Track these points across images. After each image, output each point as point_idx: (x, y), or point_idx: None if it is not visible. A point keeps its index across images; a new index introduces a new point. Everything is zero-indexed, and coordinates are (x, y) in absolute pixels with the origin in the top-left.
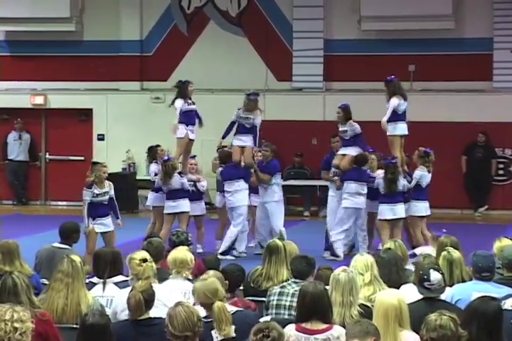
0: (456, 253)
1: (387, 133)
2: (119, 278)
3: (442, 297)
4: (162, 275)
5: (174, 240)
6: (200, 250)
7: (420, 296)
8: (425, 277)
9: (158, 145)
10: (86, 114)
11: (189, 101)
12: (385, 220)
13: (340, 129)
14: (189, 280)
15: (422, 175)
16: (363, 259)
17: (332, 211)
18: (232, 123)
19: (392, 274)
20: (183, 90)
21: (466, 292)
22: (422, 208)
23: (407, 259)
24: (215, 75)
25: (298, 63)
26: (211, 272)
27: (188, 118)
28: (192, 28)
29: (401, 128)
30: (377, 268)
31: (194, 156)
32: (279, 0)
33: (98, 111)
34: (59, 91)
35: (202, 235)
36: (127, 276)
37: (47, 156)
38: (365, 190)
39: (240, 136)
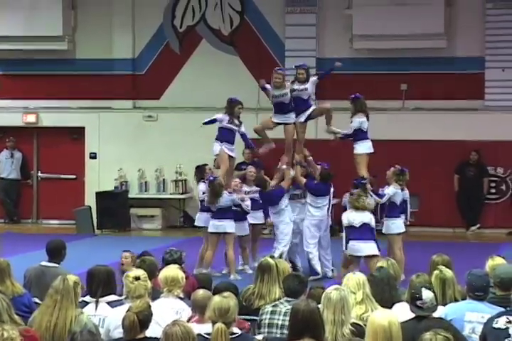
0: (448, 273)
1: (356, 152)
2: (112, 297)
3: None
4: (153, 294)
5: (167, 258)
6: (249, 271)
7: (413, 315)
8: (417, 295)
9: (205, 165)
10: (78, 133)
11: (234, 120)
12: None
13: (299, 87)
14: (180, 298)
15: (396, 192)
16: (355, 278)
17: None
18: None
19: (384, 293)
20: (230, 108)
21: (460, 312)
22: (399, 225)
23: (400, 278)
24: (207, 94)
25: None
26: (201, 291)
27: (223, 135)
28: (184, 47)
29: (368, 147)
30: (369, 287)
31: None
32: (271, 19)
33: (90, 129)
34: (51, 110)
35: (247, 256)
36: (120, 295)
37: (39, 174)
38: (325, 203)
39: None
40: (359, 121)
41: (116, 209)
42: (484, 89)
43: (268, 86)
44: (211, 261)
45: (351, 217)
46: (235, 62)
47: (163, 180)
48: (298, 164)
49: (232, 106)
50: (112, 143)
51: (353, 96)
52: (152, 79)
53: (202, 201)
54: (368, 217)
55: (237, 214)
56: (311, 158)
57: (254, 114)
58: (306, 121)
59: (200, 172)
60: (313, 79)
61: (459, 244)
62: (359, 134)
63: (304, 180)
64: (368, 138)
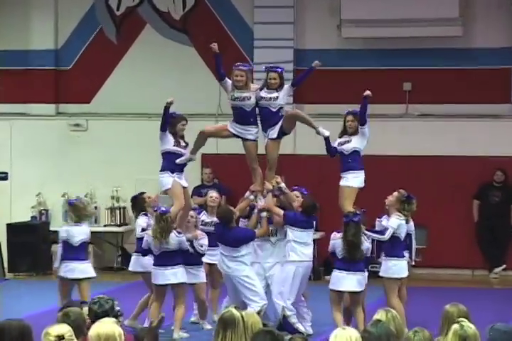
0: (470, 328)
1: (347, 184)
2: None
3: None
4: None
5: (96, 310)
6: (208, 326)
7: None
8: None
9: (142, 193)
10: None
11: (180, 142)
12: (338, 292)
13: (267, 96)
14: None
15: (400, 224)
16: (346, 335)
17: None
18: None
19: None
20: (171, 125)
21: None
22: (402, 268)
23: (403, 335)
24: (152, 96)
25: (261, 79)
26: None
27: (171, 162)
28: (123, 35)
29: (363, 180)
30: None
31: (195, 209)
32: None
33: (0, 141)
34: None
35: (205, 309)
36: None
37: None
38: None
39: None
40: (362, 142)
41: (33, 245)
42: (511, 89)
43: (229, 80)
44: (157, 315)
45: None
46: (189, 54)
47: (96, 207)
48: (271, 194)
49: (174, 123)
50: (29, 159)
51: (356, 111)
52: (81, 76)
53: (140, 239)
54: None
55: (190, 257)
56: (283, 185)
57: (213, 121)
58: (279, 137)
59: (139, 203)
60: (286, 86)
61: (480, 291)
62: (356, 160)
63: (281, 212)
64: (363, 169)
